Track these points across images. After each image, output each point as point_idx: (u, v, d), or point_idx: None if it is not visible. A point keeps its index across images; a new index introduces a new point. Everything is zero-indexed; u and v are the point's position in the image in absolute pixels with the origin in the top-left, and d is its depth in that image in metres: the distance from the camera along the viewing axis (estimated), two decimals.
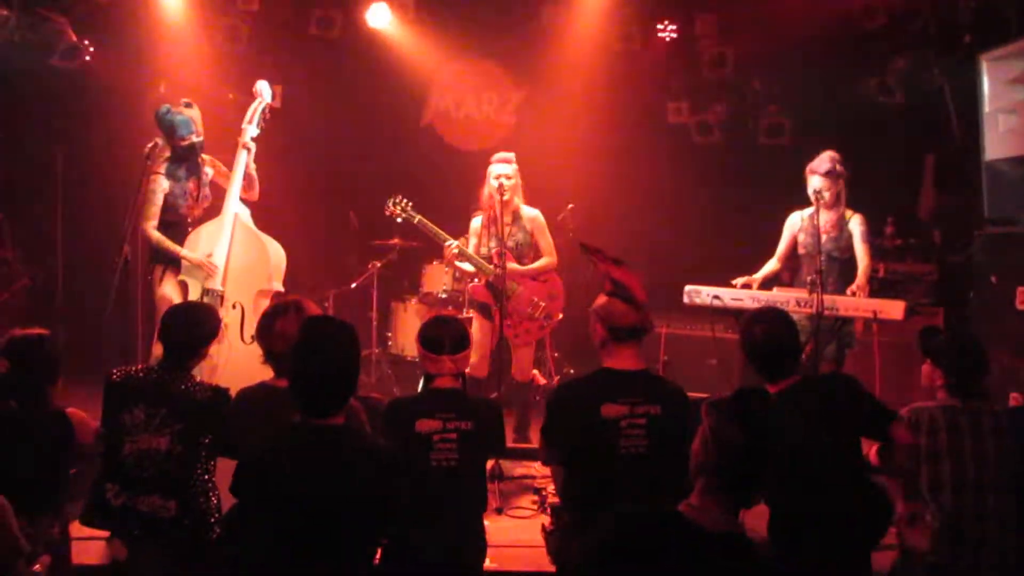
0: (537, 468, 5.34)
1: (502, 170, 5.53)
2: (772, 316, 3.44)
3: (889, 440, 3.35)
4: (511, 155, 5.64)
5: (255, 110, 5.38)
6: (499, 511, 4.75)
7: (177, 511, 3.23)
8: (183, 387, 3.32)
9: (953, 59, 6.66)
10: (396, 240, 7.34)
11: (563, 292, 5.76)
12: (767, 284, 5.58)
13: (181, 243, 5.17)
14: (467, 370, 5.23)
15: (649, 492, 3.10)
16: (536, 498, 4.91)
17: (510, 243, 5.55)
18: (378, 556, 3.00)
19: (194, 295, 5.04)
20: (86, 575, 3.62)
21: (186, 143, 5.20)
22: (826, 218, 5.40)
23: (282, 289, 5.23)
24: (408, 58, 8.01)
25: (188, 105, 5.28)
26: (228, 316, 4.93)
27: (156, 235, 5.15)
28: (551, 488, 4.78)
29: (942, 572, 3.29)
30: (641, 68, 8.01)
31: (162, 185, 5.20)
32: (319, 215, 7.75)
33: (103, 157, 7.31)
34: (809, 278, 5.25)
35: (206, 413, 3.29)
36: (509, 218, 5.54)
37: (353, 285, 7.50)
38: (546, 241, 5.72)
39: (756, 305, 5.31)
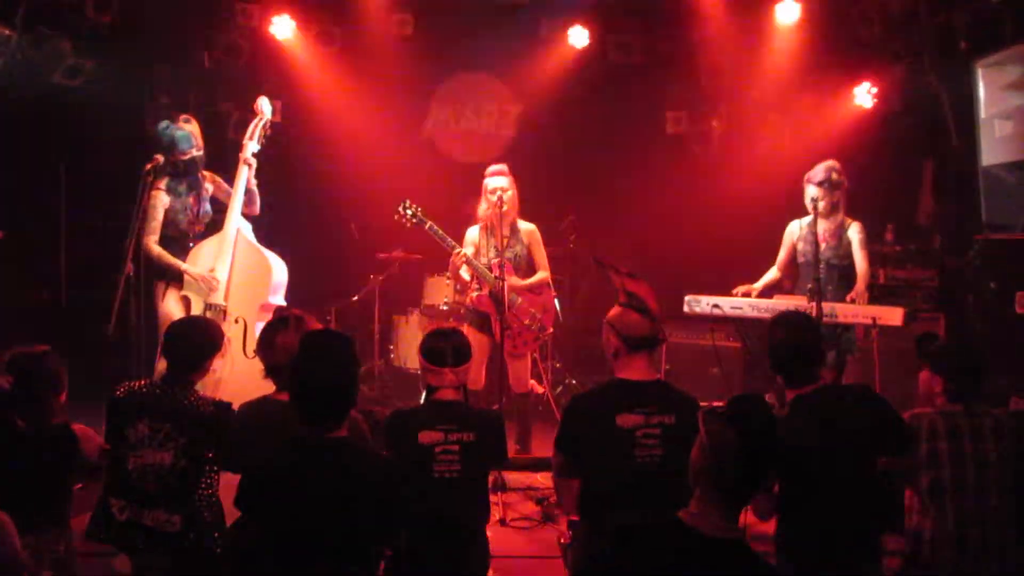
0: (539, 479, 5.36)
1: (499, 183, 5.57)
2: (795, 320, 3.43)
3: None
4: (504, 167, 5.68)
5: (256, 126, 5.43)
6: (502, 522, 4.75)
7: (182, 525, 3.24)
8: (186, 402, 3.34)
9: (949, 66, 6.68)
10: (398, 253, 7.37)
11: (554, 306, 5.82)
12: (767, 292, 5.60)
13: (183, 258, 5.20)
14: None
15: (664, 501, 3.08)
16: (539, 508, 4.92)
17: (509, 255, 5.59)
18: (382, 568, 3.01)
19: (197, 310, 5.07)
20: None
21: (186, 157, 5.23)
22: (825, 226, 5.43)
23: (284, 303, 5.26)
24: (406, 72, 8.05)
25: (187, 120, 5.33)
26: (230, 331, 4.96)
27: (157, 250, 5.17)
28: (554, 499, 4.80)
29: None
30: (639, 78, 8.05)
31: (163, 201, 5.23)
32: (320, 229, 7.78)
33: (105, 174, 7.35)
34: (808, 286, 5.28)
35: (209, 427, 3.31)
36: (507, 231, 5.58)
37: (355, 298, 7.52)
38: (541, 255, 5.77)
39: (756, 314, 5.35)
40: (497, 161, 5.84)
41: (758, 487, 2.30)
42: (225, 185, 5.48)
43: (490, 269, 5.54)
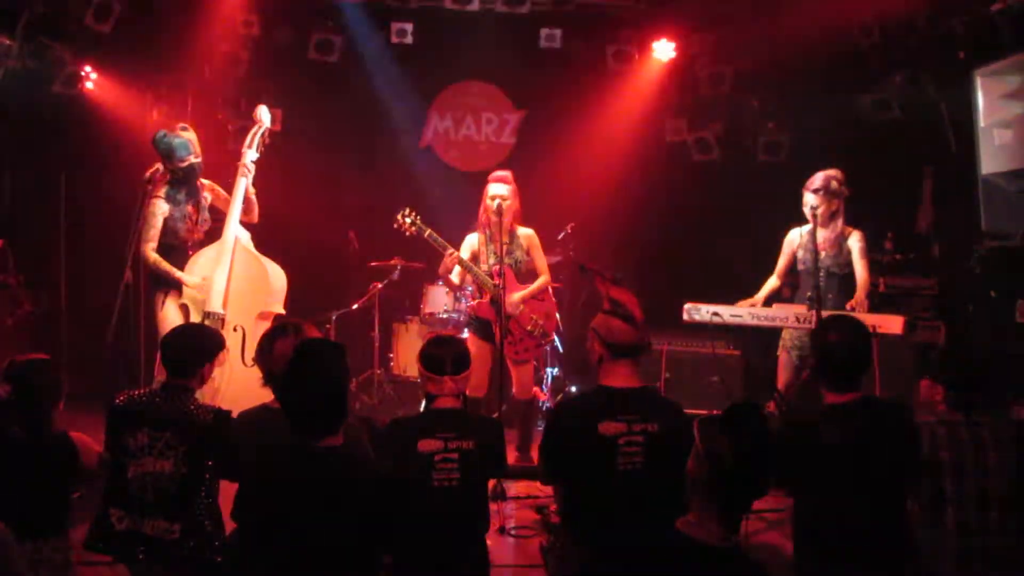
0: (540, 487, 5.35)
1: (499, 190, 5.57)
2: (849, 325, 3.40)
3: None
4: (508, 174, 5.69)
5: (254, 134, 5.44)
6: (502, 530, 4.74)
7: (181, 534, 3.22)
8: (186, 409, 3.33)
9: (948, 75, 6.70)
10: (397, 261, 7.38)
11: (556, 311, 5.82)
12: (767, 301, 5.60)
13: (182, 267, 5.20)
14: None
15: (647, 509, 3.11)
16: (539, 517, 4.90)
17: (509, 261, 5.59)
18: None
19: (195, 318, 5.07)
20: None
21: (185, 164, 5.24)
22: (824, 235, 5.43)
23: (283, 312, 5.26)
24: (406, 81, 8.08)
25: (184, 128, 5.34)
26: (229, 339, 4.94)
27: (154, 257, 5.17)
28: (554, 507, 4.79)
29: None
30: (639, 87, 8.07)
31: (161, 209, 5.24)
32: (320, 237, 7.78)
33: (105, 183, 7.37)
34: (808, 294, 5.28)
35: (209, 435, 3.29)
36: (506, 238, 5.58)
37: (355, 306, 7.52)
38: (541, 259, 5.78)
39: (756, 322, 5.34)
40: (496, 169, 5.85)
41: (756, 496, 2.29)
42: (224, 194, 5.49)
43: (491, 276, 5.54)
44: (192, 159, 5.27)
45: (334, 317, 7.47)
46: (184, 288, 5.14)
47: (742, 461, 2.19)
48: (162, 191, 5.27)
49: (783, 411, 5.36)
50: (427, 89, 8.43)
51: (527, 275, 5.77)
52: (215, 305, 5.07)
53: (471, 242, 5.74)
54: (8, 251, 7.02)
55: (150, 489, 3.24)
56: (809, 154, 6.85)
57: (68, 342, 7.34)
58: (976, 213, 6.41)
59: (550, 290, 5.93)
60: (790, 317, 5.21)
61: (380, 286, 7.44)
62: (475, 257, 5.69)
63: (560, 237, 7.13)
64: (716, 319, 5.38)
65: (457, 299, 7.09)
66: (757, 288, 5.65)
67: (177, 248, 5.31)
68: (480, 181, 5.82)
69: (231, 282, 5.15)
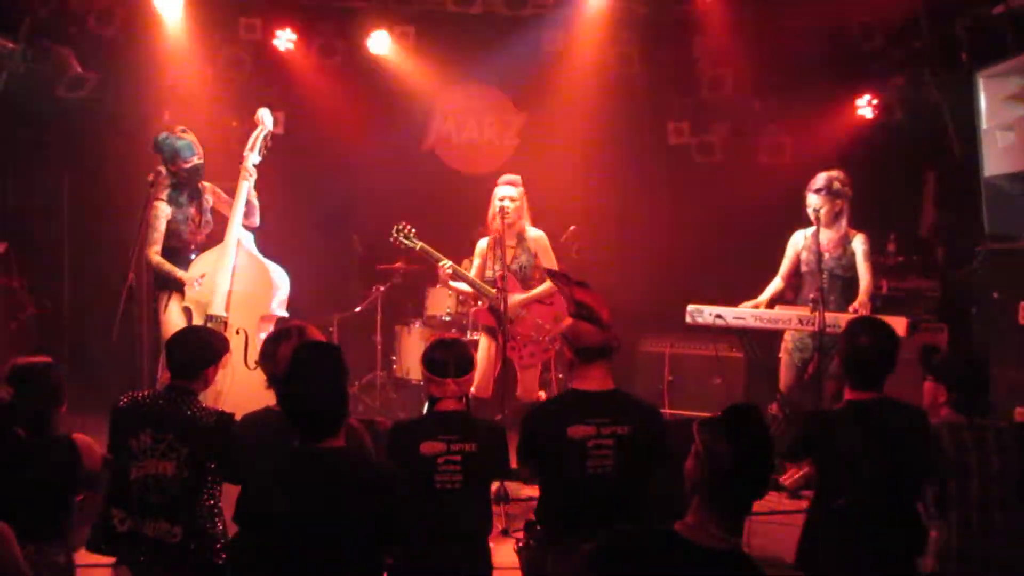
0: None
1: (506, 192, 5.57)
2: (882, 329, 3.47)
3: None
4: (517, 177, 5.67)
5: (257, 137, 5.44)
6: (504, 533, 4.73)
7: (184, 536, 3.23)
8: (189, 412, 3.34)
9: (950, 77, 6.69)
10: (400, 264, 7.38)
11: (566, 314, 5.78)
12: (769, 303, 5.60)
13: (185, 269, 5.21)
14: (472, 391, 5.26)
15: (617, 511, 3.16)
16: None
17: (515, 265, 5.58)
18: None
19: (198, 321, 5.07)
20: None
21: (189, 165, 5.26)
22: (828, 236, 5.43)
23: (286, 314, 5.26)
24: (409, 83, 8.07)
25: (184, 131, 5.36)
26: (232, 342, 4.94)
27: (157, 259, 5.20)
28: None
29: None
30: (641, 89, 8.07)
31: (164, 211, 5.25)
32: (322, 240, 7.78)
33: (108, 186, 7.38)
34: (811, 295, 5.28)
35: (212, 438, 3.30)
36: (513, 241, 5.58)
37: (357, 309, 7.52)
38: (551, 262, 5.73)
39: (759, 324, 5.34)
40: (499, 172, 5.85)
41: (755, 497, 2.29)
42: (225, 196, 5.50)
43: (495, 282, 5.53)
44: (196, 160, 5.29)
45: (336, 320, 7.47)
46: (187, 291, 5.15)
47: (742, 462, 2.19)
48: (164, 194, 5.28)
49: (785, 412, 5.36)
50: (429, 92, 8.42)
51: (538, 279, 5.72)
52: (218, 308, 5.08)
53: (480, 248, 5.75)
54: (11, 254, 7.03)
55: (152, 491, 3.24)
56: (811, 156, 6.85)
57: (71, 345, 7.35)
58: (979, 215, 6.40)
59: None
60: (793, 319, 5.21)
61: (382, 289, 7.45)
62: (484, 262, 5.68)
63: (562, 240, 7.12)
64: (719, 321, 5.38)
65: (460, 302, 7.09)
66: (760, 290, 5.65)
67: (180, 250, 5.32)
68: (482, 183, 5.82)
69: (234, 285, 5.15)
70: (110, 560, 3.36)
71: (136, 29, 7.26)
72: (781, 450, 3.57)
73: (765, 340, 5.85)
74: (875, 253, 5.77)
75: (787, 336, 5.51)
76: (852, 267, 5.45)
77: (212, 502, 3.31)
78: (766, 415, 5.24)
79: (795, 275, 5.67)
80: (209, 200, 5.48)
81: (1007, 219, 6.25)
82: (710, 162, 8.10)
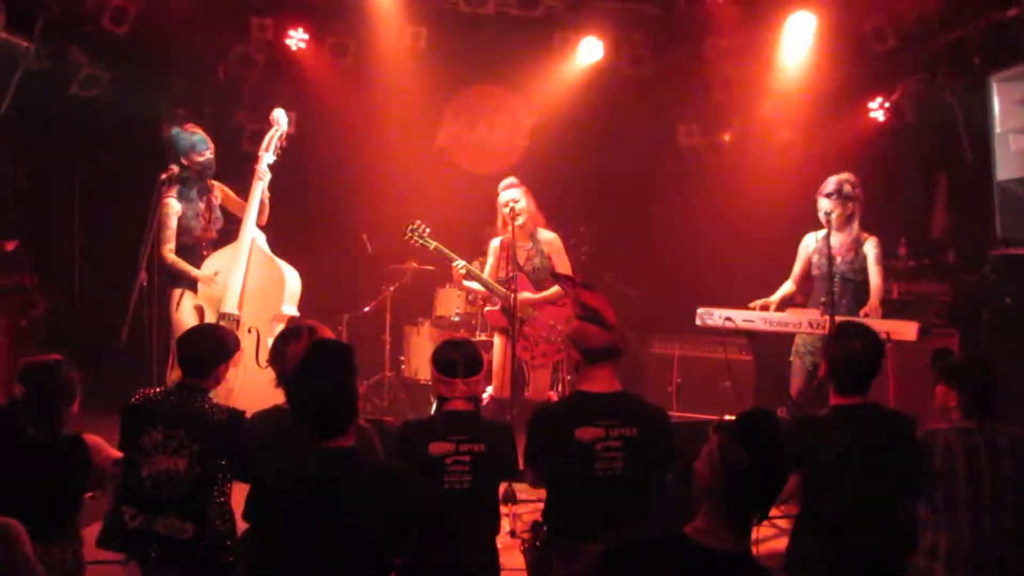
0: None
1: (509, 196, 5.59)
2: (869, 332, 3.45)
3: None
4: (514, 179, 5.69)
5: (272, 137, 5.46)
6: (512, 534, 4.73)
7: (194, 533, 3.24)
8: (201, 409, 3.35)
9: (963, 80, 6.66)
10: (409, 264, 7.39)
11: None
12: (781, 306, 5.58)
13: (198, 266, 5.23)
14: (491, 392, 5.27)
15: (625, 514, 3.16)
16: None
17: (528, 267, 5.59)
18: None
19: (210, 319, 5.09)
20: None
21: (203, 159, 5.31)
22: (840, 240, 5.41)
23: (297, 314, 5.28)
24: (420, 84, 8.09)
25: (194, 128, 5.39)
26: (244, 340, 4.97)
27: (171, 258, 5.23)
28: None
29: None
30: (652, 91, 8.06)
31: (175, 208, 5.28)
32: (333, 240, 7.80)
33: (120, 185, 7.41)
34: (822, 299, 5.26)
35: (224, 435, 3.31)
36: (528, 243, 5.59)
37: (367, 309, 7.54)
38: (564, 264, 5.74)
39: (769, 327, 5.33)
40: (510, 173, 5.86)
41: (770, 503, 2.28)
42: (233, 195, 5.52)
43: (507, 283, 5.53)
44: (209, 154, 5.34)
45: (346, 319, 7.49)
46: (200, 288, 5.17)
47: (758, 467, 2.18)
48: (174, 191, 5.31)
49: (795, 416, 5.35)
50: (441, 92, 8.43)
51: (550, 281, 5.73)
52: (230, 306, 5.10)
53: (493, 247, 5.76)
54: (23, 251, 7.07)
55: (164, 487, 3.26)
56: (822, 159, 6.83)
57: (82, 342, 7.38)
58: (991, 219, 6.37)
59: None
60: (803, 322, 5.19)
61: (392, 289, 7.45)
62: (497, 262, 5.69)
63: (572, 241, 7.13)
64: (729, 324, 5.36)
65: (469, 302, 7.09)
66: (769, 293, 5.62)
67: (191, 247, 5.34)
68: (493, 184, 5.82)
69: (246, 284, 5.18)
70: (120, 557, 3.37)
71: (149, 28, 7.29)
72: None
73: (775, 343, 5.84)
74: (886, 257, 5.75)
75: (797, 339, 5.49)
76: (863, 270, 5.43)
77: (223, 499, 3.32)
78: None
79: (806, 278, 5.65)
80: (218, 197, 5.51)
81: (1019, 223, 6.22)
82: (720, 164, 8.09)
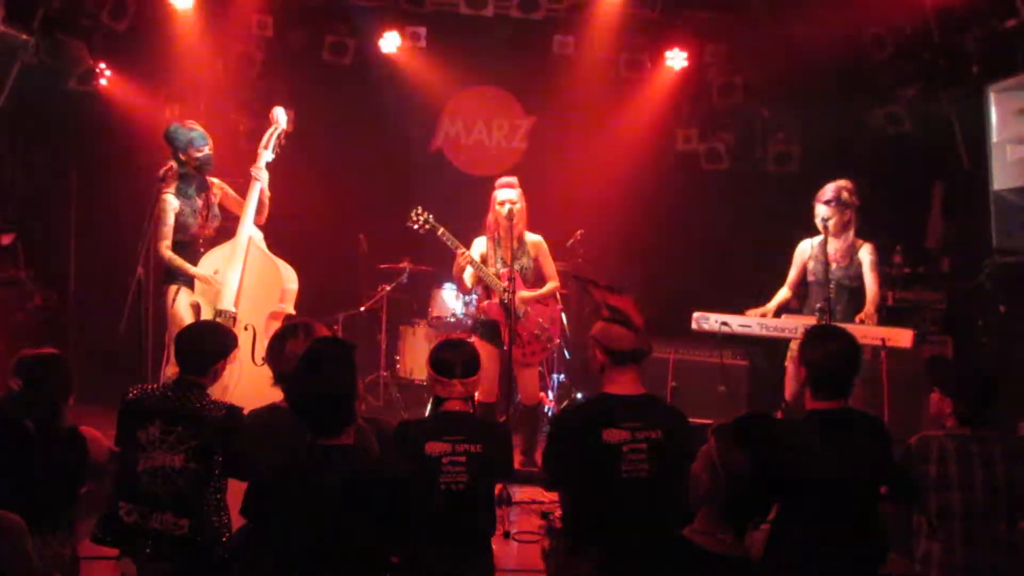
0: (544, 493, 5.35)
1: (508, 195, 5.60)
2: (847, 336, 3.42)
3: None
4: (514, 179, 5.72)
5: (271, 136, 5.45)
6: (507, 535, 4.74)
7: (190, 529, 3.23)
8: (198, 405, 3.34)
9: (961, 89, 6.69)
10: (406, 264, 7.38)
11: (560, 317, 5.89)
12: (776, 312, 5.59)
13: (194, 263, 5.22)
14: (477, 396, 5.27)
15: (651, 516, 3.12)
16: (543, 523, 4.89)
17: (516, 267, 5.60)
18: None
19: (207, 316, 5.08)
20: None
21: (201, 155, 5.28)
22: (836, 246, 5.43)
23: (293, 312, 5.27)
24: (419, 84, 8.09)
25: (193, 124, 5.38)
26: (240, 338, 4.94)
27: (168, 254, 5.20)
28: (559, 513, 4.78)
29: None
30: (650, 95, 8.08)
31: (172, 205, 5.26)
32: (329, 238, 7.80)
33: (117, 179, 7.40)
34: (818, 305, 5.28)
35: (220, 431, 3.30)
36: (514, 244, 5.60)
37: (362, 308, 7.53)
38: (549, 266, 5.80)
39: (764, 332, 5.34)
40: (507, 174, 5.87)
41: (769, 507, 2.29)
42: (232, 193, 5.51)
43: (499, 279, 5.56)
44: (207, 150, 5.32)
45: (341, 319, 7.48)
46: (196, 285, 5.16)
47: (757, 471, 2.19)
48: (172, 187, 5.29)
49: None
50: (439, 93, 8.43)
51: (534, 282, 5.79)
52: (227, 303, 5.09)
53: (479, 246, 5.76)
54: (19, 245, 7.05)
55: (160, 483, 3.25)
56: (819, 166, 6.85)
57: (77, 337, 7.36)
58: (987, 228, 6.40)
59: (557, 296, 5.95)
60: (799, 328, 5.20)
61: (388, 288, 7.45)
62: (483, 262, 5.70)
63: (569, 244, 7.13)
64: (725, 328, 5.38)
65: (465, 303, 7.09)
66: (764, 297, 5.64)
67: (189, 244, 5.32)
68: (489, 186, 5.83)
69: (243, 281, 5.16)
70: (115, 552, 3.36)
71: (148, 23, 7.28)
72: None
73: (770, 348, 5.85)
74: (882, 264, 5.77)
75: (793, 345, 5.50)
76: (859, 277, 5.44)
77: (219, 496, 3.31)
78: None
79: (802, 284, 5.67)
80: (217, 194, 5.49)
81: (1015, 232, 6.25)
82: (718, 169, 8.11)
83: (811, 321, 5.19)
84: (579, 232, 7.26)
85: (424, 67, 8.02)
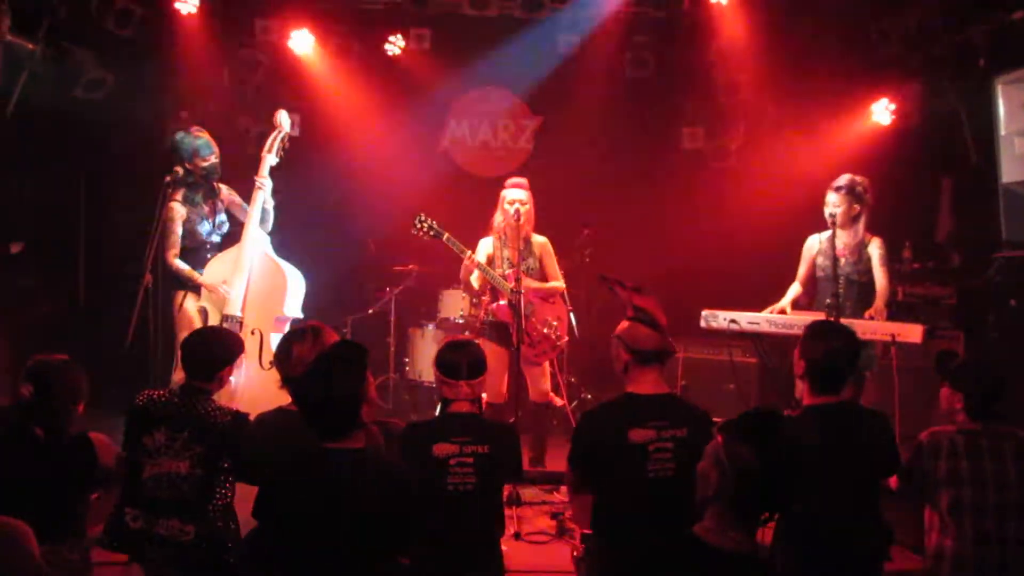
0: (551, 493, 5.35)
1: (518, 195, 5.59)
2: (846, 332, 3.44)
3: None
4: (524, 180, 5.72)
5: (274, 139, 5.45)
6: (516, 536, 4.73)
7: (196, 535, 3.23)
8: (204, 411, 3.35)
9: (968, 83, 6.65)
10: (413, 266, 7.39)
11: (567, 316, 5.91)
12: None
13: (202, 268, 5.24)
14: (485, 397, 5.26)
15: (677, 516, 3.09)
16: (554, 523, 4.89)
17: (522, 268, 5.60)
18: None
19: (214, 321, 5.09)
20: None
21: (207, 163, 5.30)
22: (844, 241, 5.39)
23: (301, 315, 5.28)
24: (424, 86, 8.10)
25: (199, 131, 5.39)
26: (247, 342, 4.95)
27: (177, 264, 5.23)
28: (569, 513, 4.78)
29: None
30: (656, 94, 8.07)
31: (180, 212, 5.27)
32: (336, 242, 7.81)
33: (124, 186, 7.42)
34: (827, 300, 5.25)
35: (226, 437, 3.31)
36: (520, 245, 5.59)
37: (371, 311, 7.54)
38: (553, 267, 5.81)
39: (773, 329, 5.32)
40: (513, 175, 5.87)
41: (781, 503, 2.27)
42: (239, 199, 5.52)
43: (506, 279, 5.55)
44: (213, 159, 5.34)
45: (350, 322, 7.49)
46: (203, 291, 5.18)
47: (768, 471, 2.17)
48: (179, 194, 5.30)
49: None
50: (445, 94, 8.44)
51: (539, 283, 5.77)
52: (234, 308, 5.10)
53: (485, 247, 5.76)
54: (27, 253, 7.08)
55: (166, 489, 3.25)
56: (827, 162, 6.82)
57: (85, 344, 7.38)
58: (996, 222, 6.37)
59: (566, 296, 5.94)
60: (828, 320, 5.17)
61: (396, 291, 7.46)
62: (490, 262, 5.70)
63: (575, 243, 7.12)
64: (733, 326, 5.36)
65: (474, 304, 7.09)
66: (773, 295, 5.61)
67: (197, 251, 5.34)
68: (496, 187, 5.83)
69: (250, 285, 5.17)
70: (123, 558, 3.37)
71: (154, 30, 7.31)
72: None
73: (779, 345, 5.82)
74: (891, 259, 5.74)
75: None
76: (868, 272, 5.41)
77: (225, 501, 3.31)
78: None
79: (812, 280, 5.64)
80: (224, 200, 5.51)
81: None
82: (724, 167, 8.10)
83: (820, 317, 5.16)
84: (585, 232, 7.25)
85: (429, 69, 8.03)
